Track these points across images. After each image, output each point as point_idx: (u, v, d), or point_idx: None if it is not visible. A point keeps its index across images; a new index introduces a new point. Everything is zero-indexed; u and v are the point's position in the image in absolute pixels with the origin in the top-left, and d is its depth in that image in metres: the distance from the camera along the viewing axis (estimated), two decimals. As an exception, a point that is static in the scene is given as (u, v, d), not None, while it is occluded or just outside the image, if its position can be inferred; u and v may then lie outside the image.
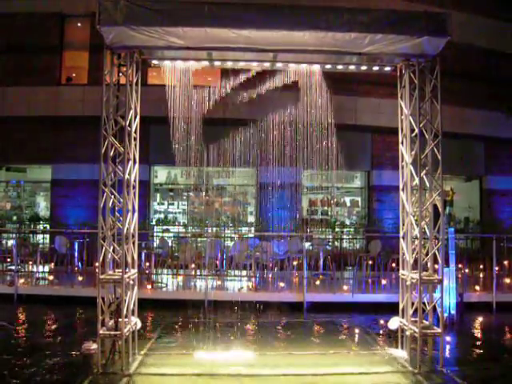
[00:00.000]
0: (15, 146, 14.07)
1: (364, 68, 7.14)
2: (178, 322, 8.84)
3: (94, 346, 6.44)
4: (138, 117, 6.82)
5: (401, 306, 7.04)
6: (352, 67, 7.14)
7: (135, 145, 6.76)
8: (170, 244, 12.48)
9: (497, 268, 10.26)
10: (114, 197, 6.56)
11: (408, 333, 6.74)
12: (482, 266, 11.35)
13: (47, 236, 13.66)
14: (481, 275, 11.08)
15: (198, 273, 11.04)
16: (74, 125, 13.81)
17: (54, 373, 6.08)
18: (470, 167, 15.92)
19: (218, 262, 11.30)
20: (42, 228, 14.90)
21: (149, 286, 10.29)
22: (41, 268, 11.27)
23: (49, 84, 14.58)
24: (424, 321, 6.59)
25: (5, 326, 8.29)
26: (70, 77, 15.40)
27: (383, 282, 10.64)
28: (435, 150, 6.68)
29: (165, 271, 11.43)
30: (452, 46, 6.54)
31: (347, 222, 15.90)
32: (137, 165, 6.81)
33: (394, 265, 10.81)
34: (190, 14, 6.18)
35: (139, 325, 6.98)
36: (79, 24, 15.36)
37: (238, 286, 10.83)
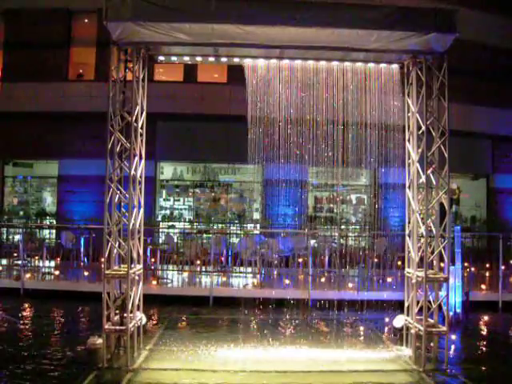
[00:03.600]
0: (22, 141, 14.14)
1: (371, 65, 7.10)
2: (183, 318, 8.87)
3: (100, 340, 6.47)
4: (145, 113, 6.83)
5: (406, 304, 7.02)
6: (359, 64, 7.10)
7: (141, 141, 6.78)
8: (175, 240, 12.51)
9: (503, 267, 10.21)
10: (120, 192, 6.58)
11: (413, 331, 6.72)
12: (488, 265, 11.29)
13: (53, 231, 13.73)
14: (487, 274, 11.02)
15: (203, 269, 11.06)
16: (81, 120, 13.85)
17: (59, 367, 6.13)
18: (476, 165, 15.83)
19: (223, 259, 11.32)
20: (48, 223, 14.98)
21: (154, 282, 10.32)
22: (47, 263, 11.36)
23: (56, 80, 14.65)
24: (429, 319, 6.57)
25: (11, 320, 8.35)
26: (77, 73, 15.46)
27: (388, 279, 10.63)
28: (442, 147, 6.64)
29: (170, 267, 11.46)
30: (460, 43, 6.49)
31: (353, 219, 15.87)
32: (143, 161, 6.82)
33: (399, 263, 10.78)
34: (196, 10, 6.19)
35: (144, 320, 7.01)
36: (86, 20, 15.41)
37: (243, 282, 10.84)
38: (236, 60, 7.17)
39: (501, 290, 9.85)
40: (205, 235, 12.37)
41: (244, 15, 6.16)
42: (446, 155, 6.59)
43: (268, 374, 6.07)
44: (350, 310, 9.27)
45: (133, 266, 6.46)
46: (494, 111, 15.29)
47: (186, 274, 11.14)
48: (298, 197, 14.37)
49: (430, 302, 6.60)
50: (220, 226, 14.42)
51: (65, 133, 14.29)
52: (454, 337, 7.86)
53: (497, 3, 15.55)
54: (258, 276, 10.84)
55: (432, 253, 6.68)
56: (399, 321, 7.23)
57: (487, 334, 8.52)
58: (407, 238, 7.06)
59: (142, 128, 6.77)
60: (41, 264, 11.25)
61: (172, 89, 14.36)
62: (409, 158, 7.10)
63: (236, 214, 15.34)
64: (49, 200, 15.76)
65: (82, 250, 11.67)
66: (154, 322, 8.50)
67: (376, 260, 11.19)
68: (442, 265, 6.92)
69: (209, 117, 13.79)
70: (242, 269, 11.24)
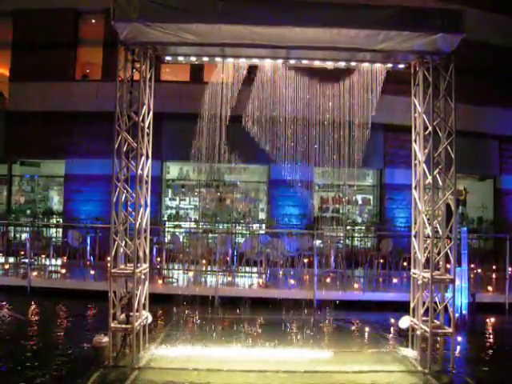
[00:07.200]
0: (29, 140, 14.23)
1: (378, 65, 7.09)
2: (188, 317, 8.89)
3: (105, 339, 6.49)
4: (151, 113, 6.85)
5: (412, 305, 7.01)
6: (365, 64, 7.10)
7: (148, 140, 6.80)
8: (181, 239, 12.54)
9: (510, 268, 10.14)
10: (127, 192, 6.60)
11: (419, 332, 6.71)
12: (494, 267, 11.24)
13: (60, 230, 13.81)
14: (493, 276, 10.97)
15: (209, 268, 11.08)
16: (88, 120, 13.92)
17: (65, 365, 6.17)
18: (483, 166, 15.75)
19: (228, 258, 11.33)
20: (55, 222, 15.06)
21: (160, 281, 10.36)
22: (53, 261, 11.42)
23: (63, 80, 14.74)
24: (435, 320, 6.55)
25: (18, 318, 8.41)
26: (85, 73, 15.54)
27: (394, 280, 10.61)
28: (449, 148, 6.62)
29: (176, 266, 11.50)
30: (467, 44, 6.46)
31: (359, 220, 15.84)
32: (149, 160, 6.85)
33: (405, 264, 10.75)
34: (203, 11, 6.20)
35: (150, 319, 7.03)
36: (94, 20, 15.48)
37: (249, 282, 10.86)
38: (242, 60, 7.19)
39: (507, 291, 9.80)
40: (210, 235, 12.39)
41: (251, 16, 6.16)
42: (453, 156, 6.56)
43: (274, 374, 6.07)
44: (356, 310, 9.27)
45: (139, 265, 6.48)
46: (502, 112, 15.23)
47: (191, 274, 11.17)
48: (303, 197, 14.36)
49: (435, 303, 6.58)
50: (225, 225, 14.43)
51: (72, 132, 14.38)
52: (460, 338, 7.83)
53: (505, 3, 15.46)
54: (264, 276, 10.85)
55: (438, 254, 6.66)
56: (405, 322, 7.22)
57: (493, 335, 8.48)
58: (413, 238, 7.04)
59: (148, 128, 6.80)
60: (47, 262, 11.31)
61: (179, 89, 14.41)
62: (415, 159, 7.08)
63: (241, 214, 15.36)
64: (55, 199, 15.85)
65: (88, 248, 11.73)
66: (160, 321, 8.53)
67: (382, 260, 11.18)
68: (448, 266, 6.90)
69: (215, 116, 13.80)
70: (247, 269, 11.25)
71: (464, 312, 8.57)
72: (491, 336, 8.46)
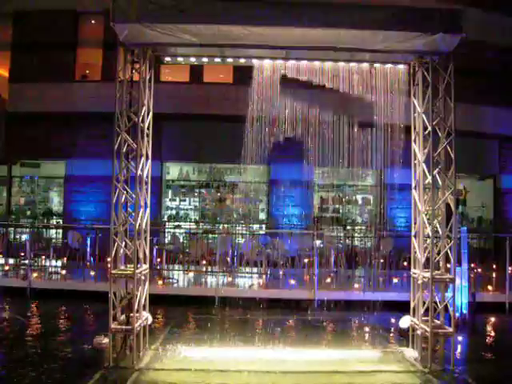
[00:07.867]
0: (29, 141, 14.22)
1: (377, 65, 7.09)
2: (189, 318, 8.90)
3: (106, 340, 6.50)
4: (151, 113, 6.86)
5: (412, 305, 7.01)
6: (365, 64, 7.10)
7: (148, 141, 6.80)
8: (181, 240, 12.55)
9: (510, 268, 10.14)
10: (127, 192, 6.61)
11: (419, 332, 6.71)
12: (494, 266, 11.24)
13: (60, 231, 13.82)
14: (494, 275, 10.97)
15: (209, 269, 11.08)
16: (88, 121, 13.93)
17: (65, 366, 6.17)
18: (483, 166, 15.75)
19: (228, 259, 11.34)
20: (55, 223, 15.06)
21: (160, 282, 10.35)
22: (54, 262, 11.42)
23: (63, 80, 14.74)
24: (435, 320, 6.56)
25: (18, 320, 8.41)
26: (84, 73, 15.55)
27: (394, 280, 10.61)
28: (448, 148, 6.62)
29: (176, 267, 11.49)
30: (466, 43, 6.46)
31: (359, 220, 15.83)
32: (149, 161, 6.85)
33: (405, 263, 10.75)
34: (202, 12, 6.20)
35: (150, 320, 7.03)
36: (93, 21, 15.48)
37: (249, 282, 10.85)
38: (242, 61, 7.19)
39: (508, 291, 9.80)
40: (210, 235, 12.39)
41: (250, 16, 6.16)
42: (452, 156, 6.57)
43: (273, 375, 6.07)
44: (356, 310, 9.26)
45: (139, 265, 6.48)
46: (501, 111, 15.21)
47: (191, 274, 11.17)
48: (303, 197, 14.37)
49: (436, 302, 6.58)
50: (226, 226, 14.43)
51: (72, 133, 14.38)
52: (460, 338, 7.82)
53: (504, 3, 15.45)
54: (264, 276, 10.85)
55: (438, 253, 6.66)
56: (405, 321, 7.22)
57: (494, 335, 8.49)
58: (413, 238, 7.05)
59: (148, 128, 6.80)
60: (47, 263, 11.31)
61: (178, 89, 14.42)
62: (415, 159, 7.09)
63: (241, 215, 15.36)
64: (55, 200, 15.84)
65: (88, 249, 11.73)
66: (160, 322, 8.53)
67: (382, 260, 11.17)
68: (448, 265, 6.90)
69: (215, 117, 13.82)
70: (247, 269, 11.25)
71: (464, 311, 8.57)
72: (491, 335, 8.46)
